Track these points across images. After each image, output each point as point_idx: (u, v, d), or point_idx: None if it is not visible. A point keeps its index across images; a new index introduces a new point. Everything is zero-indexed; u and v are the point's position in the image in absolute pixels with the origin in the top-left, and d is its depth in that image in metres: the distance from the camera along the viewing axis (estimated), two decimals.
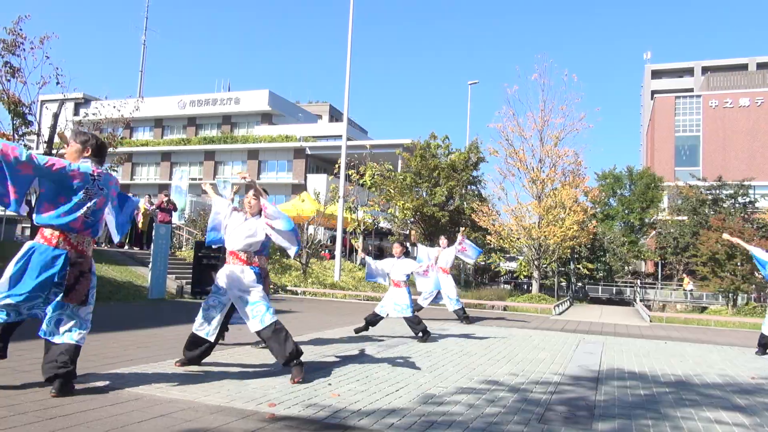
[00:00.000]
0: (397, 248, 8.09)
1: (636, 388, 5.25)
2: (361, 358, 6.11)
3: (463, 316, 11.07)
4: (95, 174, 4.00)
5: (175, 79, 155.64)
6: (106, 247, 16.85)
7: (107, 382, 4.29)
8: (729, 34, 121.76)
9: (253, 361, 5.59)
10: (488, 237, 22.36)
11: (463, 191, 26.50)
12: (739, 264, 21.71)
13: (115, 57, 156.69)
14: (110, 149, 12.42)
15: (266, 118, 47.34)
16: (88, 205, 3.96)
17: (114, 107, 13.49)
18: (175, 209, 16.37)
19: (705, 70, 61.90)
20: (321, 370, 5.30)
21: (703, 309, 27.56)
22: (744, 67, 60.35)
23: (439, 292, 11.00)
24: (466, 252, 11.31)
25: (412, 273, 8.14)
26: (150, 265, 12.83)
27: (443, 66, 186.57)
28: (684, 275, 37.06)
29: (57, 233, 3.90)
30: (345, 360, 5.93)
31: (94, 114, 12.48)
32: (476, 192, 27.82)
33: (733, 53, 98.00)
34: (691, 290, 35.06)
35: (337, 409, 3.89)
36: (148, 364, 5.13)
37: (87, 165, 3.99)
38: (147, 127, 50.61)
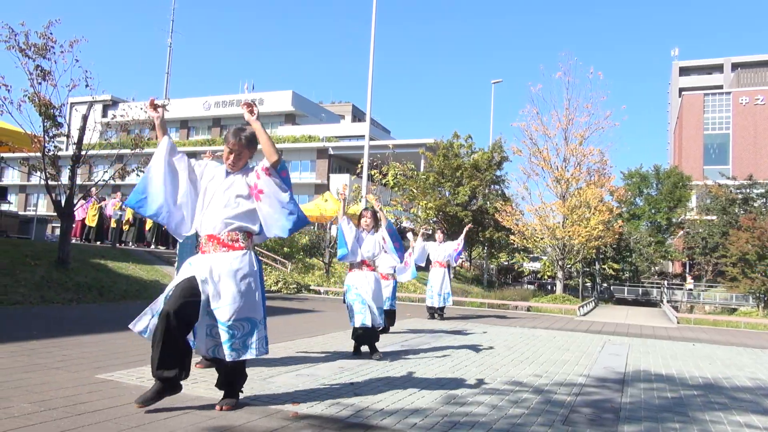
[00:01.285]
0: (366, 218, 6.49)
1: (663, 390, 5.17)
2: (384, 358, 6.11)
3: (439, 315, 11.10)
4: None
5: (201, 81, 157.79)
6: (133, 247, 17.15)
7: (134, 379, 4.36)
8: (759, 30, 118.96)
9: (276, 359, 5.63)
10: (512, 237, 22.21)
11: (487, 191, 26.37)
12: None
13: (142, 59, 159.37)
14: (137, 150, 12.62)
15: (290, 118, 47.70)
16: None
17: (141, 109, 13.69)
18: None
19: (735, 66, 60.54)
20: (344, 369, 5.32)
21: (733, 311, 26.98)
22: None
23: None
24: (458, 251, 11.28)
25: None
26: (176, 264, 13.00)
27: (466, 65, 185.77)
28: (686, 274, 36.35)
29: None
30: (367, 359, 5.94)
31: (121, 116, 12.69)
32: (499, 191, 27.66)
33: (764, 49, 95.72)
34: (690, 289, 34.48)
35: (359, 408, 3.90)
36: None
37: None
38: (173, 128, 51.37)
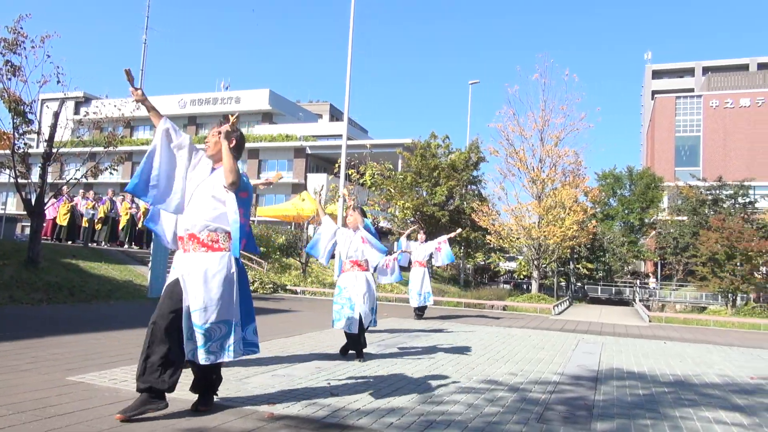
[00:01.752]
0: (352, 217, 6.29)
1: (635, 388, 5.26)
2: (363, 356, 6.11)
3: (418, 314, 11.16)
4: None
5: (176, 79, 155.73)
6: (106, 246, 16.86)
7: (107, 381, 4.29)
8: (730, 35, 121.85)
9: (252, 359, 5.59)
10: (488, 237, 22.39)
11: (464, 191, 26.53)
12: (738, 264, 21.72)
13: (115, 56, 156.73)
14: (110, 148, 12.41)
15: (267, 117, 47.38)
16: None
17: (114, 106, 13.52)
18: None
19: (706, 70, 61.88)
20: (321, 369, 5.31)
21: (703, 309, 27.57)
22: (745, 67, 60.33)
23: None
24: (440, 253, 11.31)
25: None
26: (149, 264, 12.83)
27: (444, 66, 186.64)
28: (650, 273, 37.09)
29: None
30: (344, 360, 5.94)
31: (94, 113, 12.47)
32: (476, 192, 27.84)
33: (734, 53, 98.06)
34: (654, 288, 35.29)
35: (336, 408, 3.89)
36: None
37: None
38: (148, 126, 50.63)
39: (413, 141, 27.84)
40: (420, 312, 11.26)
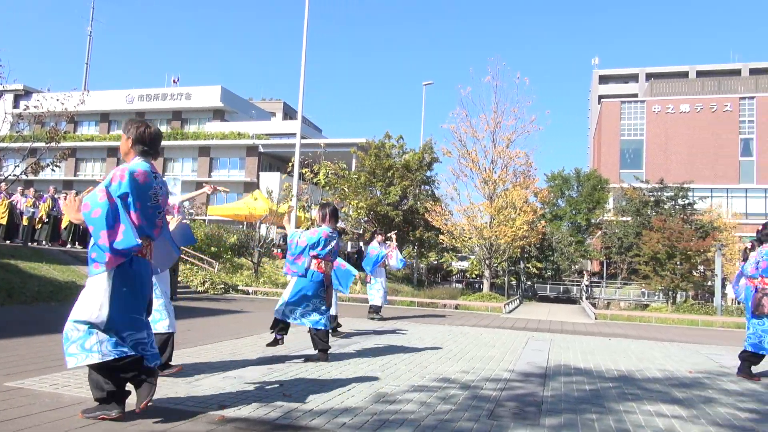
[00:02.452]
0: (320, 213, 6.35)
1: (582, 383, 5.41)
2: (312, 358, 6.06)
3: (374, 314, 11.21)
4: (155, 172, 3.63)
5: (123, 73, 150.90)
6: (47, 246, 16.19)
7: (48, 386, 4.12)
8: (671, 43, 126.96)
9: (202, 361, 5.48)
10: (441, 236, 22.62)
11: (417, 191, 26.72)
12: (678, 263, 22.65)
13: (59, 48, 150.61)
14: (52, 144, 11.92)
15: (218, 114, 46.50)
16: (161, 208, 3.61)
17: (57, 100, 13.00)
18: None
19: (649, 76, 64.26)
20: (273, 370, 5.25)
21: (645, 306, 28.63)
22: (685, 74, 62.99)
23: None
24: (390, 260, 11.35)
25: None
26: None
27: (399, 66, 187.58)
28: (585, 271, 38.42)
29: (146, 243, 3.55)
30: (297, 360, 5.89)
31: (35, 107, 11.95)
32: (430, 192, 28.08)
33: (676, 61, 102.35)
34: (587, 285, 36.69)
35: (288, 409, 3.85)
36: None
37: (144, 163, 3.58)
38: (92, 121, 48.92)
39: (367, 141, 27.86)
40: (379, 311, 11.27)
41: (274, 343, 6.05)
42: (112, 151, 44.84)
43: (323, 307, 5.94)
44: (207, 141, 42.39)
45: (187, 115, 47.16)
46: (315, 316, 5.88)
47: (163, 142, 39.84)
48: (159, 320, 4.64)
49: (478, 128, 21.77)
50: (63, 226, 17.12)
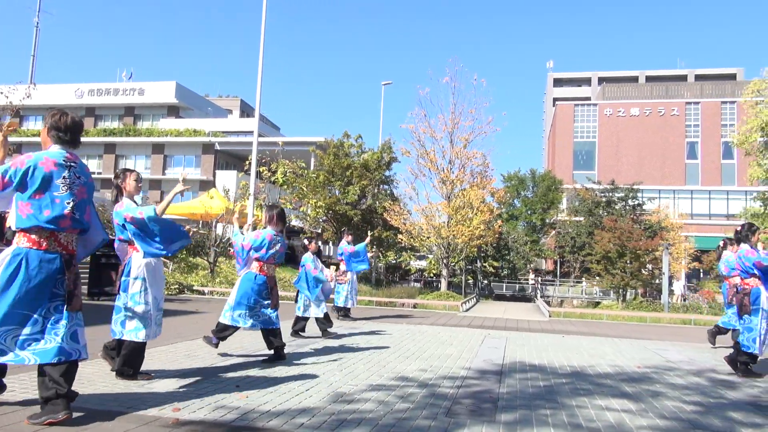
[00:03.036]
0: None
1: (536, 380, 5.53)
2: (270, 359, 6.01)
3: (343, 314, 11.17)
4: (70, 161, 3.52)
5: (73, 67, 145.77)
6: None
7: None
8: (622, 49, 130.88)
9: (157, 363, 5.35)
10: (399, 236, 22.72)
11: (376, 190, 26.75)
12: (628, 262, 23.38)
13: (2, 39, 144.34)
14: None
15: (173, 110, 45.46)
16: (70, 198, 3.47)
17: (1, 93, 12.44)
18: None
19: (601, 80, 66.11)
20: (229, 371, 5.17)
21: (597, 304, 29.45)
22: (635, 79, 65.06)
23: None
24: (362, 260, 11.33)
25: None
26: None
27: (358, 65, 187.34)
28: (530, 269, 39.44)
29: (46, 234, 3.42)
30: (253, 361, 5.82)
31: None
32: (388, 191, 28.16)
33: (626, 66, 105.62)
34: (534, 284, 37.81)
35: (245, 410, 3.80)
36: (35, 371, 4.77)
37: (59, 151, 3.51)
38: (39, 116, 47.09)
39: (326, 139, 27.74)
40: (345, 311, 11.12)
41: (216, 345, 5.93)
42: None
43: (270, 309, 5.87)
44: (161, 138, 41.39)
45: (140, 111, 45.95)
46: (263, 317, 5.82)
47: (115, 139, 38.56)
48: (134, 329, 4.47)
49: (437, 128, 21.98)
50: (7, 225, 16.44)
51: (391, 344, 7.64)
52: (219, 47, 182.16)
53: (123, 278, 4.55)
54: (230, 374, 5.03)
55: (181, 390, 4.31)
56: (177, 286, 16.26)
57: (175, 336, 7.34)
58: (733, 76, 60.35)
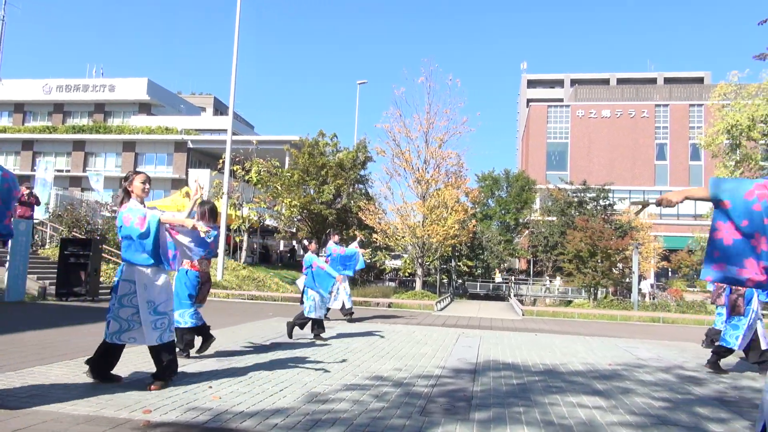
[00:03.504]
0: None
1: (510, 378, 5.58)
2: (244, 359, 5.96)
3: (349, 316, 11.11)
4: None
5: (41, 61, 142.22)
6: None
7: None
8: (594, 51, 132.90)
9: (128, 365, 5.25)
10: (374, 235, 22.72)
11: (351, 190, 26.71)
12: (599, 261, 23.76)
13: None
14: None
15: (144, 108, 44.70)
16: None
17: None
18: (38, 203, 14.96)
19: (573, 82, 67.08)
20: (202, 372, 5.10)
21: (569, 303, 29.86)
22: (606, 81, 66.18)
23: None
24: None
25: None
26: (7, 264, 11.65)
27: (333, 64, 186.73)
28: (496, 269, 40.02)
29: None
30: (227, 361, 5.75)
31: None
32: (363, 191, 28.14)
33: (598, 68, 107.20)
34: (500, 283, 38.48)
35: (218, 412, 3.76)
36: (4, 373, 4.65)
37: None
38: (5, 112, 45.93)
39: (301, 138, 27.59)
40: (350, 313, 11.08)
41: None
42: (28, 144, 42.24)
43: (193, 306, 5.80)
44: (132, 135, 40.66)
45: (110, 108, 45.06)
46: (185, 316, 5.73)
47: (84, 136, 37.73)
48: (115, 331, 4.37)
49: (412, 128, 22.05)
50: None
51: (366, 344, 7.63)
52: (192, 44, 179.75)
53: (115, 279, 4.48)
54: (203, 374, 4.97)
55: (152, 391, 4.24)
56: None
57: None
58: (700, 80, 61.78)
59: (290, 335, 7.73)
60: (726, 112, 23.70)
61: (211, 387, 4.49)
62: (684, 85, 57.11)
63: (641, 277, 24.78)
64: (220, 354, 6.15)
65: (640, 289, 24.51)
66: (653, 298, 27.26)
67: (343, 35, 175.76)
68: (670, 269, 40.50)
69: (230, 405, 3.95)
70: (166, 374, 4.45)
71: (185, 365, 5.39)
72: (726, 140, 23.77)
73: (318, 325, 7.89)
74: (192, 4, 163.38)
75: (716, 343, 6.58)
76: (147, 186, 4.58)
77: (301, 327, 7.99)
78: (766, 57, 16.46)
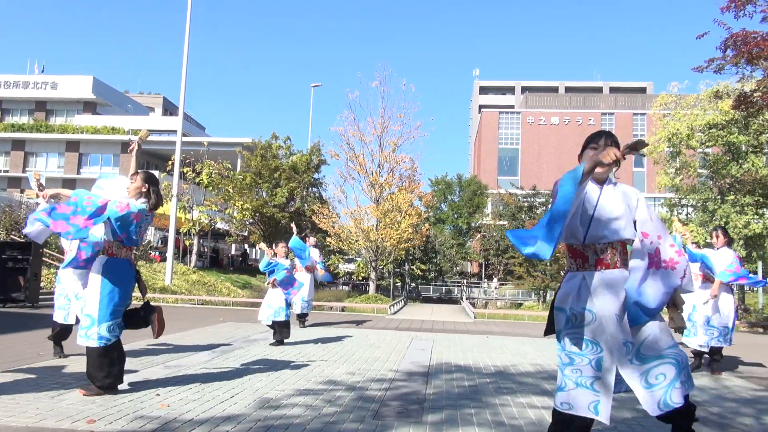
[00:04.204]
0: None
1: (462, 380, 5.65)
2: (194, 365, 5.83)
3: (301, 322, 10.93)
4: None
5: None
6: None
7: None
8: (544, 60, 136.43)
9: (67, 372, 5.05)
10: (328, 239, 22.63)
11: (304, 193, 26.55)
12: (548, 264, 24.38)
13: None
14: None
15: (89, 106, 43.22)
16: None
17: None
18: None
19: (524, 89, 68.69)
20: (149, 379, 4.96)
21: (519, 305, 30.50)
22: (555, 89, 68.06)
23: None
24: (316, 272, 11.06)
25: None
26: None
27: (287, 66, 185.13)
28: (443, 273, 40.88)
29: None
30: (176, 368, 5.61)
31: None
32: (317, 194, 28.02)
33: (547, 77, 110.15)
34: (441, 286, 39.55)
35: (166, 420, 3.66)
36: None
37: None
38: None
39: (254, 141, 27.26)
40: (302, 319, 10.79)
41: None
42: None
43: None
44: (76, 135, 39.25)
45: (52, 106, 43.35)
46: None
47: (25, 135, 36.36)
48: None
49: (366, 132, 22.11)
50: None
51: (319, 348, 7.59)
52: (141, 42, 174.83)
53: None
54: (150, 382, 4.83)
55: (95, 400, 4.09)
56: None
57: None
58: (643, 90, 64.31)
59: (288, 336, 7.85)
60: (667, 121, 24.73)
61: (158, 395, 4.37)
62: (628, 95, 59.34)
63: None
64: (168, 361, 5.99)
65: None
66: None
67: (298, 38, 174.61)
68: None
69: (179, 413, 3.85)
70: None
71: (132, 371, 5.23)
72: (667, 148, 24.80)
73: (286, 326, 7.86)
74: (141, 1, 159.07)
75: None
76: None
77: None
78: (703, 70, 17.27)
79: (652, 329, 2.67)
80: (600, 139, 2.79)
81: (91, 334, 4.20)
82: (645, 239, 2.72)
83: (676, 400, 2.58)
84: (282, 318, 7.73)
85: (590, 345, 2.63)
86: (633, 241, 2.75)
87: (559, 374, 2.76)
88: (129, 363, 5.74)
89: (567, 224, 2.56)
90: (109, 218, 4.10)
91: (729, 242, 6.82)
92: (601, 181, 2.77)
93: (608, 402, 2.58)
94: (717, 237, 6.82)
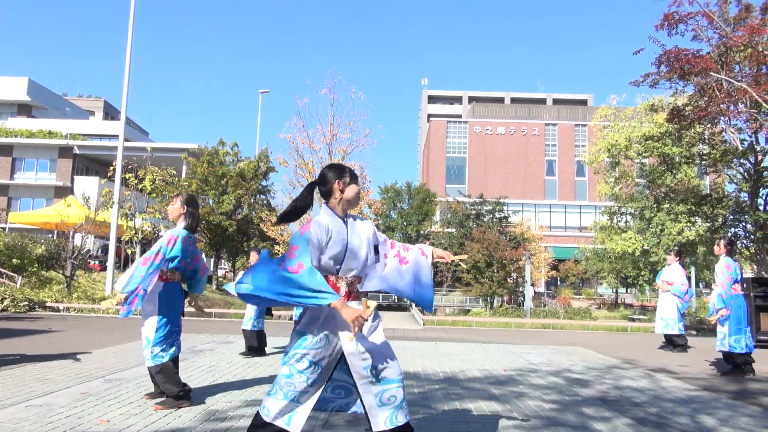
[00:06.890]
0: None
1: (411, 387, 5.67)
2: (135, 378, 5.63)
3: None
4: None
5: None
6: None
7: None
8: (490, 71, 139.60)
9: (1, 388, 4.78)
10: (276, 247, 22.35)
11: (252, 200, 26.15)
12: (495, 271, 24.84)
13: None
14: None
15: (24, 109, 41.36)
16: None
17: None
18: None
19: (471, 99, 69.97)
20: (89, 394, 4.75)
21: (467, 311, 30.91)
22: (501, 100, 69.62)
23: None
24: None
25: None
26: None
27: (234, 71, 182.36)
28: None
29: None
30: (117, 381, 5.40)
31: None
32: (265, 201, 27.65)
33: (494, 87, 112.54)
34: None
35: None
36: None
37: None
38: None
39: (200, 146, 26.70)
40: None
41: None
42: None
43: None
44: (9, 139, 37.41)
45: None
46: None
47: None
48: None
49: (315, 139, 21.96)
50: None
51: (268, 359, 7.46)
52: (80, 43, 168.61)
53: None
54: (90, 397, 4.62)
55: (29, 418, 3.89)
56: (26, 303, 14.69)
57: (23, 358, 6.62)
58: (584, 102, 66.60)
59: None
60: (606, 132, 25.72)
61: (97, 409, 4.19)
62: (570, 106, 61.35)
63: (533, 286, 26.18)
64: (108, 374, 5.76)
65: (538, 295, 25.89)
66: (544, 306, 28.84)
67: (246, 43, 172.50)
68: (558, 278, 43.10)
69: (120, 428, 3.71)
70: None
71: (69, 386, 5.00)
72: (607, 158, 25.77)
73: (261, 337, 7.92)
74: (81, 0, 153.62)
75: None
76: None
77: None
78: (640, 84, 18.09)
79: (386, 356, 3.17)
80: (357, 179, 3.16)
81: (146, 354, 4.52)
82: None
83: (401, 419, 3.04)
84: (248, 327, 7.77)
85: (312, 365, 2.91)
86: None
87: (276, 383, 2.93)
88: (66, 377, 5.49)
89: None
90: (164, 257, 4.58)
91: (681, 260, 9.46)
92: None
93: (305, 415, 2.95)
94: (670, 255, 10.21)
